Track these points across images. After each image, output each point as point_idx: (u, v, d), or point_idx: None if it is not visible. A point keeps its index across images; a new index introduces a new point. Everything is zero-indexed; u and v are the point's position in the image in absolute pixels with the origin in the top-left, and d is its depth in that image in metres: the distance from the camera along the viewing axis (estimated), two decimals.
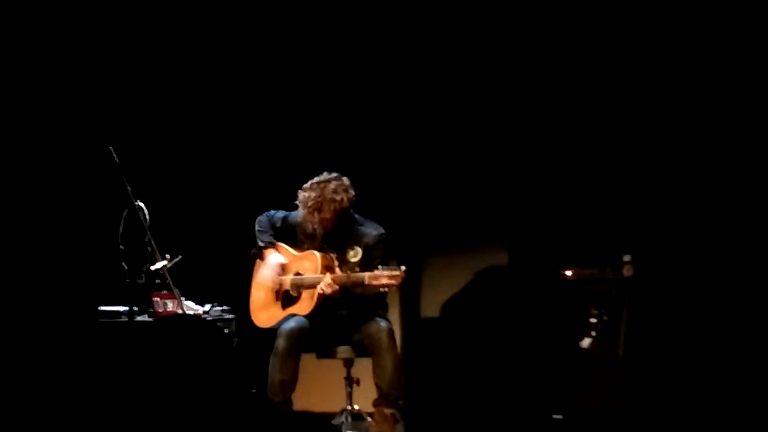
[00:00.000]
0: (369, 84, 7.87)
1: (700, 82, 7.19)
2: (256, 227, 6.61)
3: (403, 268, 6.08)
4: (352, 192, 6.36)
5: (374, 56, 7.82)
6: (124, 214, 5.87)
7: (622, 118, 7.42)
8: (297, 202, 6.41)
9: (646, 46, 7.33)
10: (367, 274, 6.11)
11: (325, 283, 6.20)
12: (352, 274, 6.17)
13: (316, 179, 6.39)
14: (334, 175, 6.39)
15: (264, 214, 6.66)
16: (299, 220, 6.47)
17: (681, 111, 7.26)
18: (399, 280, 6.07)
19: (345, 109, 7.90)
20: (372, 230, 6.40)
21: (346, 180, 6.38)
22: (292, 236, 6.57)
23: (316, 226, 6.37)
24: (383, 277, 6.06)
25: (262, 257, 6.55)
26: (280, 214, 6.63)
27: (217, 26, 7.83)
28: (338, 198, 6.29)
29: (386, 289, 6.15)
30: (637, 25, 7.34)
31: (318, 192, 6.30)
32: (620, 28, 7.38)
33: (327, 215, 6.30)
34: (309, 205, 6.31)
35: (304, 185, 6.39)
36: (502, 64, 7.67)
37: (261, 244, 6.54)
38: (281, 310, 6.45)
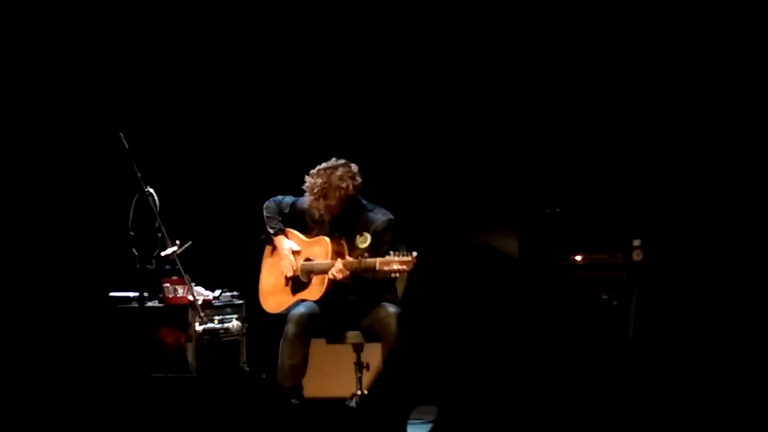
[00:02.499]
0: (378, 70, 7.87)
1: (711, 70, 7.17)
2: (265, 213, 6.61)
3: (414, 253, 6.08)
4: (359, 179, 6.35)
5: (384, 43, 7.81)
6: (134, 200, 5.87)
7: (633, 103, 7.41)
8: (303, 188, 6.41)
9: (656, 35, 7.31)
10: (378, 260, 6.11)
11: (337, 269, 6.21)
12: (363, 260, 6.17)
13: (323, 165, 6.38)
14: (342, 161, 6.38)
15: (272, 200, 6.66)
16: (306, 206, 6.47)
17: (691, 97, 7.25)
18: (410, 266, 6.07)
19: (355, 95, 7.90)
20: (380, 216, 6.40)
21: (353, 167, 6.37)
22: (301, 222, 6.57)
23: (322, 212, 6.37)
24: (394, 262, 6.06)
25: (272, 243, 6.56)
26: (289, 199, 6.63)
27: (226, 13, 7.82)
28: (344, 185, 6.28)
29: (397, 275, 6.16)
30: (647, 16, 7.33)
31: (324, 178, 6.30)
32: (630, 19, 7.36)
33: (332, 201, 6.29)
34: (315, 191, 6.30)
35: (311, 171, 6.39)
36: (511, 51, 7.66)
37: (271, 230, 6.55)
38: (291, 295, 6.46)
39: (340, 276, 6.20)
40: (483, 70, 7.75)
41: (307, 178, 6.37)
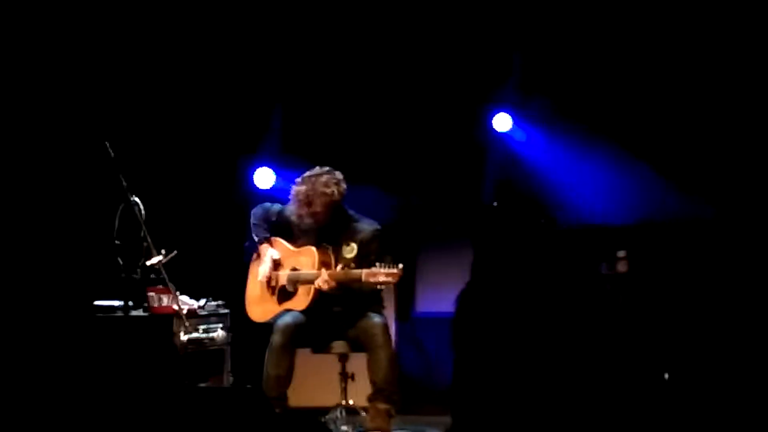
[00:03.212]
0: (364, 79, 7.90)
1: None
2: (252, 220, 6.60)
3: (400, 266, 6.08)
4: (343, 185, 6.35)
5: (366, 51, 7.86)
6: (119, 209, 5.86)
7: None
8: (289, 197, 6.41)
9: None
10: (364, 271, 6.11)
11: (322, 279, 6.20)
12: (350, 271, 6.16)
13: (307, 173, 6.38)
14: (326, 168, 6.37)
15: (259, 207, 6.65)
16: (292, 215, 6.47)
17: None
18: (396, 278, 6.08)
19: (345, 108, 7.94)
20: (367, 225, 6.40)
21: (338, 174, 6.37)
22: (288, 230, 6.56)
23: (307, 220, 6.35)
24: (381, 274, 6.06)
25: (257, 251, 6.56)
26: (276, 207, 6.62)
27: (210, 23, 7.83)
28: (329, 191, 6.27)
29: (383, 287, 6.16)
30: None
31: (309, 186, 6.30)
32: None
33: (318, 208, 6.29)
34: (300, 198, 6.30)
35: (296, 179, 6.39)
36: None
37: (255, 238, 6.54)
38: (277, 305, 6.45)
39: (326, 287, 6.19)
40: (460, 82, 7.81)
41: (292, 187, 6.37)
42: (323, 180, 6.29)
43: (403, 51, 7.91)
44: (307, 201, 6.28)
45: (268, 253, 6.49)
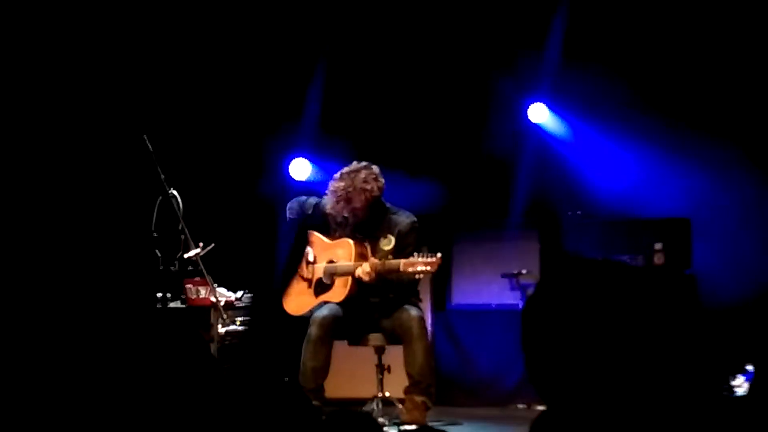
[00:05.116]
0: (401, 70, 7.90)
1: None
2: (288, 214, 6.61)
3: (439, 254, 6.08)
4: (381, 180, 6.34)
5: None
6: (157, 201, 5.89)
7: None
8: (327, 192, 6.41)
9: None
10: (402, 261, 6.10)
11: (363, 271, 6.19)
12: (387, 261, 6.16)
13: (345, 169, 6.36)
14: (364, 164, 6.37)
15: (295, 200, 6.65)
16: (329, 209, 6.47)
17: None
18: (435, 267, 6.07)
19: (374, 100, 7.95)
20: (404, 218, 6.39)
21: (375, 168, 6.36)
22: (324, 223, 6.57)
23: (347, 216, 6.35)
24: (418, 263, 6.06)
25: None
26: (313, 200, 6.61)
27: (251, 17, 7.86)
28: (368, 187, 6.27)
29: (421, 276, 6.16)
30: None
31: (348, 182, 6.29)
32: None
33: (357, 204, 6.29)
34: (339, 195, 6.30)
35: (335, 175, 6.39)
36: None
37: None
38: (314, 297, 6.47)
39: (367, 278, 6.18)
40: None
41: (331, 183, 6.37)
42: (362, 176, 6.28)
43: (438, 41, 7.89)
44: (347, 198, 6.28)
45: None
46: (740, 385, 6.19)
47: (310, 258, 6.49)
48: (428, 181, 7.71)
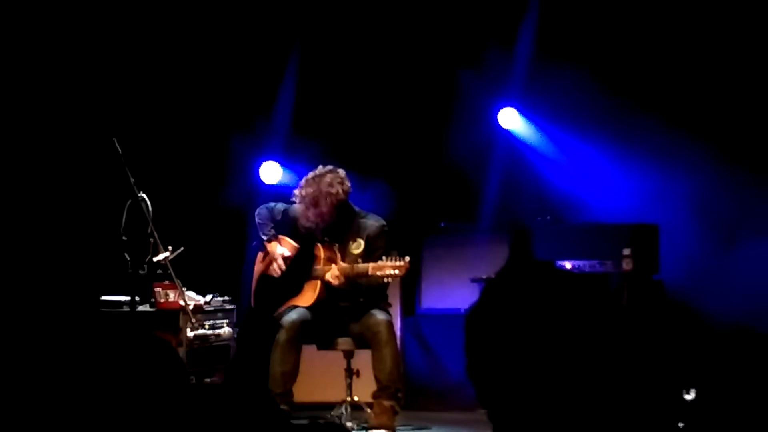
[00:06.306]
0: (369, 76, 7.91)
1: None
2: (257, 219, 6.61)
3: (407, 258, 6.11)
4: (347, 183, 6.35)
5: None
6: (126, 205, 5.88)
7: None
8: (293, 198, 6.42)
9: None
10: (371, 265, 6.13)
11: (332, 275, 6.21)
12: (356, 265, 6.19)
13: (310, 174, 6.37)
14: (329, 167, 6.37)
15: (264, 206, 6.65)
16: (298, 214, 6.47)
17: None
18: (403, 271, 6.10)
19: (345, 101, 7.95)
20: (373, 222, 6.41)
21: (341, 172, 6.37)
22: (293, 229, 6.56)
23: (314, 221, 6.35)
24: (387, 267, 6.08)
25: (264, 250, 6.57)
26: (281, 206, 6.62)
27: (220, 17, 7.85)
28: (333, 191, 6.27)
29: (390, 280, 6.18)
30: None
31: (314, 187, 6.29)
32: None
33: (324, 209, 6.29)
34: (306, 200, 6.31)
35: (300, 182, 6.40)
36: None
37: (263, 237, 6.56)
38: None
39: (336, 282, 6.20)
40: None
41: (296, 190, 6.37)
42: (327, 180, 6.29)
43: (405, 44, 7.91)
44: (314, 202, 6.29)
45: (278, 250, 6.50)
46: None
47: (287, 253, 6.48)
48: (396, 184, 7.73)
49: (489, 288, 2.09)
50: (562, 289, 2.02)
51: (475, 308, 2.10)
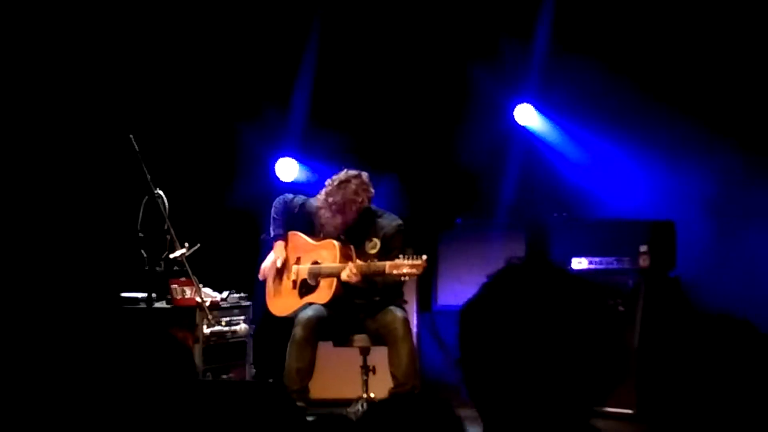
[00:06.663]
0: (384, 75, 7.91)
1: None
2: (272, 213, 6.60)
3: (424, 257, 6.09)
4: (371, 189, 6.37)
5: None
6: (143, 201, 5.90)
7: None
8: (318, 198, 6.41)
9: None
10: (388, 263, 6.12)
11: (349, 272, 6.21)
12: (373, 263, 6.18)
13: (336, 179, 6.36)
14: (353, 173, 6.37)
15: (282, 199, 6.64)
16: (315, 209, 6.47)
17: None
18: (420, 269, 6.09)
19: (366, 102, 7.96)
20: (390, 221, 6.41)
21: (364, 176, 6.37)
22: (309, 223, 6.56)
23: (342, 228, 6.37)
24: (404, 266, 6.07)
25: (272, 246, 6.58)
26: (299, 199, 6.61)
27: (236, 16, 7.86)
28: (359, 199, 6.30)
29: (406, 278, 6.17)
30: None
31: (340, 195, 6.30)
32: None
33: (349, 216, 6.33)
34: (332, 208, 6.32)
35: (326, 182, 6.39)
36: None
37: (271, 233, 6.56)
38: (299, 298, 6.47)
39: (353, 279, 6.20)
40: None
41: (321, 195, 6.37)
42: (353, 188, 6.29)
43: (419, 39, 7.90)
44: (340, 210, 6.30)
45: (273, 256, 6.52)
46: None
47: (278, 264, 6.49)
48: (411, 180, 7.73)
49: (486, 285, 2.10)
50: (560, 292, 2.01)
51: (470, 303, 2.10)
